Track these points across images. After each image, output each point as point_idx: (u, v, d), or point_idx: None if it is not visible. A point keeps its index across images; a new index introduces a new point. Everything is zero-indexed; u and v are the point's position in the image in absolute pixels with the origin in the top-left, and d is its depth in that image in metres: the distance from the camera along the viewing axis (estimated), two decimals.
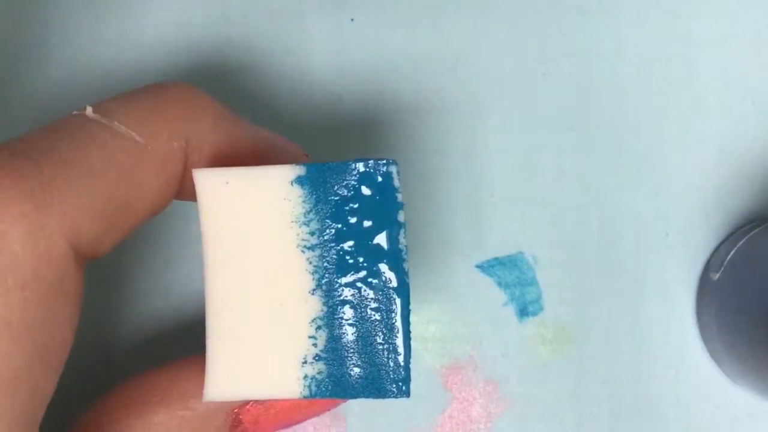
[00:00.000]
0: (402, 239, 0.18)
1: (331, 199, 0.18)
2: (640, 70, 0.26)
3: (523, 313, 0.26)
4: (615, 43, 0.26)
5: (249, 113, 0.25)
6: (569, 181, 0.26)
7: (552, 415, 0.26)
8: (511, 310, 0.26)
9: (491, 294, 0.26)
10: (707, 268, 0.25)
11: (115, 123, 0.18)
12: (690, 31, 0.26)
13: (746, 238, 0.24)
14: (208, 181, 0.18)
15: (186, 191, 0.19)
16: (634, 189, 0.26)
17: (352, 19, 0.26)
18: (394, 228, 0.18)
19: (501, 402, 0.26)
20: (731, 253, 0.24)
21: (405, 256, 0.18)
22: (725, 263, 0.24)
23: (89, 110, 0.18)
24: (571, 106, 0.26)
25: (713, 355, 0.25)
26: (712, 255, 0.25)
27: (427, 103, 0.26)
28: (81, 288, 0.17)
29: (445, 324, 0.26)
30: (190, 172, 0.19)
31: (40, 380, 0.16)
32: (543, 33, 0.26)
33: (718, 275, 0.24)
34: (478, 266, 0.26)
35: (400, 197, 0.18)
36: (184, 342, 0.25)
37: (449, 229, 0.26)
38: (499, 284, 0.26)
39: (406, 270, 0.18)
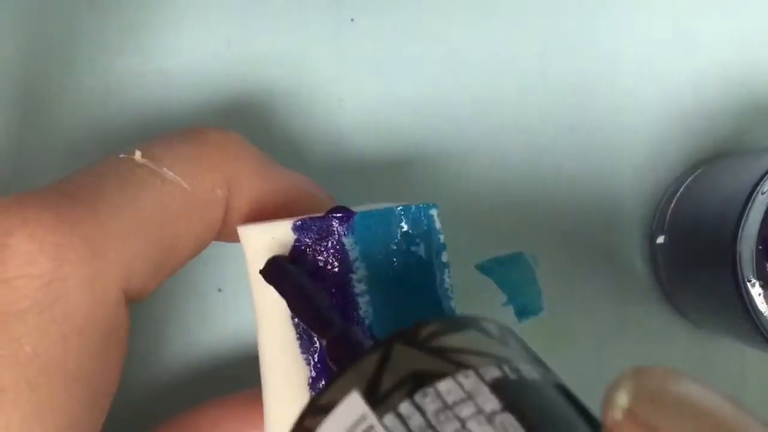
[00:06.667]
0: (447, 279, 0.19)
1: (377, 246, 0.18)
2: (640, 70, 0.26)
3: (522, 313, 0.26)
4: (615, 43, 0.26)
5: (248, 114, 0.25)
6: (569, 181, 0.26)
7: None
8: (510, 310, 0.26)
9: (491, 294, 0.26)
10: (652, 232, 0.26)
11: (164, 169, 0.18)
12: (690, 31, 0.26)
13: (674, 200, 0.25)
14: (254, 238, 0.18)
15: (224, 233, 0.20)
16: (634, 188, 0.26)
17: (352, 19, 0.26)
18: (439, 269, 0.18)
19: None
20: (667, 217, 0.25)
21: (452, 295, 0.19)
22: (665, 226, 0.25)
23: (138, 155, 0.18)
24: (571, 106, 0.26)
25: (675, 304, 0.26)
26: (654, 219, 0.26)
27: (426, 103, 0.26)
28: (127, 330, 0.17)
29: None
30: (230, 217, 0.19)
31: (92, 422, 0.17)
32: (543, 33, 0.26)
33: (661, 239, 0.25)
34: (478, 266, 0.26)
35: (442, 238, 0.18)
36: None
37: (449, 229, 0.26)
38: (499, 284, 0.26)
39: (454, 307, 0.19)
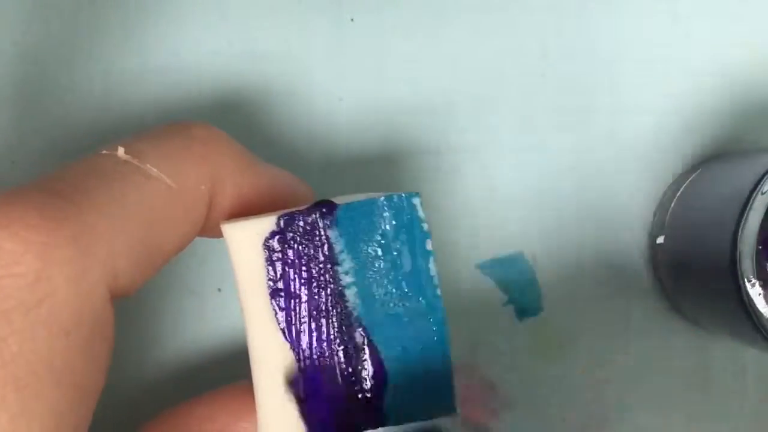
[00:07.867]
0: (432, 266, 0.19)
1: (361, 237, 0.18)
2: (640, 70, 0.26)
3: (522, 313, 0.26)
4: (615, 43, 0.26)
5: (248, 113, 0.25)
6: (569, 180, 0.26)
7: (552, 415, 0.26)
8: (511, 310, 0.26)
9: (491, 294, 0.26)
10: (652, 232, 0.26)
11: (147, 165, 0.18)
12: (690, 31, 0.26)
13: (674, 200, 0.25)
14: (238, 234, 0.18)
15: (208, 229, 0.20)
16: (634, 188, 0.26)
17: (352, 19, 0.26)
18: (424, 257, 0.18)
19: (501, 402, 0.26)
20: (667, 217, 0.25)
21: (437, 282, 0.19)
22: (665, 226, 0.25)
23: (121, 151, 0.18)
24: (571, 106, 0.26)
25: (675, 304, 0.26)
26: (654, 219, 0.26)
27: (426, 103, 0.26)
28: (113, 329, 0.17)
29: None
30: (213, 213, 0.19)
31: (79, 420, 0.17)
32: (543, 33, 0.26)
33: (661, 239, 0.25)
34: (478, 266, 0.26)
35: (426, 227, 0.18)
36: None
37: (449, 229, 0.26)
38: (499, 284, 0.26)
39: (439, 295, 0.19)
